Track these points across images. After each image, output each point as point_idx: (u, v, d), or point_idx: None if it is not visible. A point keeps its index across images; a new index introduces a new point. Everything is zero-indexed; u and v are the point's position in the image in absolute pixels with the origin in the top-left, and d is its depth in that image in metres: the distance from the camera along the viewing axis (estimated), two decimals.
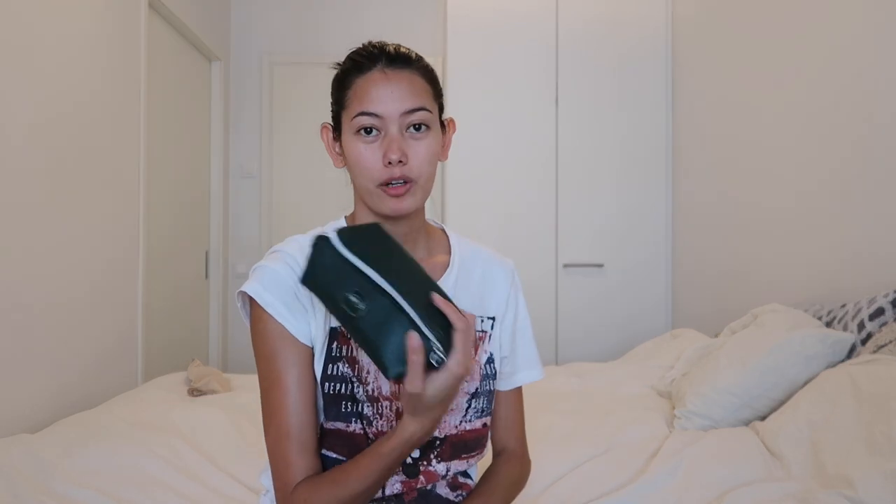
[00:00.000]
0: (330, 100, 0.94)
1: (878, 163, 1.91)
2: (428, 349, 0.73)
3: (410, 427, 0.77)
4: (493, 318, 0.99)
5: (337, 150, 0.93)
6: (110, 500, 1.37)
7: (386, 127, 0.85)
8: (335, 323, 0.88)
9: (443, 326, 0.74)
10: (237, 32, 3.93)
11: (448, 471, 0.93)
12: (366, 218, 0.93)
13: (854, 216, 2.02)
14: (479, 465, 1.02)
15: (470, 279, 0.98)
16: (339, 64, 0.93)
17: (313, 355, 0.88)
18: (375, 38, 0.94)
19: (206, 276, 3.64)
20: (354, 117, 0.86)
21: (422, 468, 0.91)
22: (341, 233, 0.78)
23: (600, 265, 3.33)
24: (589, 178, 3.34)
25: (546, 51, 3.32)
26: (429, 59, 0.94)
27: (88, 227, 2.28)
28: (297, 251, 0.89)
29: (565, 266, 3.33)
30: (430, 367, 0.73)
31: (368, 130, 0.86)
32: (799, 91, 2.30)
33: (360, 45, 0.92)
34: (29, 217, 1.95)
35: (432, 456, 0.91)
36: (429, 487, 0.93)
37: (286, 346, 0.85)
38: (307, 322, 0.87)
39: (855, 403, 1.37)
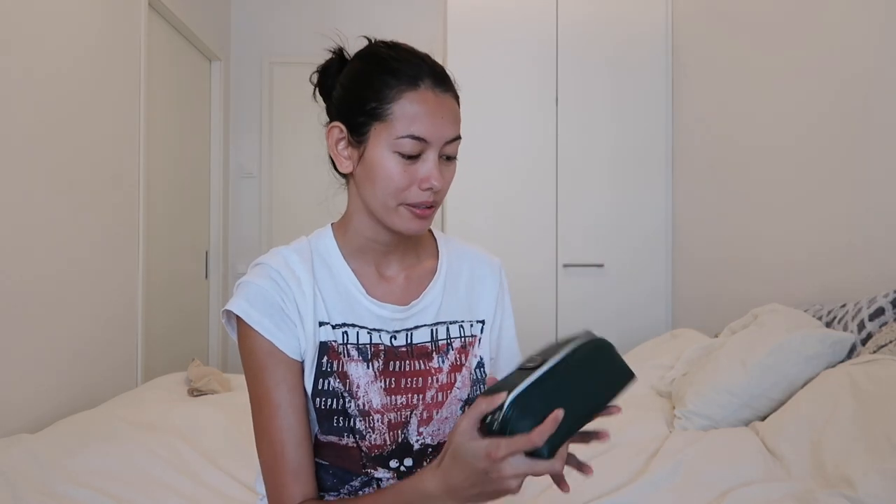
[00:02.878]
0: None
1: (878, 162, 1.91)
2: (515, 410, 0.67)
3: (431, 483, 0.72)
4: (483, 322, 0.97)
5: (345, 153, 0.87)
6: (110, 500, 1.37)
7: (426, 151, 0.82)
8: (325, 337, 0.87)
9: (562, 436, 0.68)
10: (237, 32, 3.93)
11: None
12: (365, 230, 0.89)
13: (854, 216, 2.02)
14: None
15: (458, 283, 0.97)
16: (334, 52, 0.90)
17: (302, 370, 0.87)
18: (375, 38, 0.91)
19: (206, 276, 3.65)
20: (401, 137, 0.81)
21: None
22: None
23: (600, 265, 3.33)
24: (589, 178, 3.34)
25: (546, 51, 3.32)
26: None
27: (88, 227, 2.28)
28: (282, 265, 0.87)
29: (565, 266, 3.33)
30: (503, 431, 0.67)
31: (409, 153, 0.82)
32: (799, 90, 2.30)
33: (382, 43, 0.88)
34: (28, 218, 1.95)
35: (426, 464, 0.91)
36: None
37: (275, 362, 0.84)
38: (296, 336, 0.85)
39: (855, 403, 1.37)
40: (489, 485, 0.68)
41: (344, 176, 0.93)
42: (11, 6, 1.87)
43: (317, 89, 0.93)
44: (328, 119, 0.91)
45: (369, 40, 0.90)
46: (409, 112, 0.81)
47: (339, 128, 0.86)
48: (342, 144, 0.87)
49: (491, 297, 0.99)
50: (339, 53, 0.91)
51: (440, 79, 0.84)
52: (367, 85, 0.84)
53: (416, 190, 0.83)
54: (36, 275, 1.98)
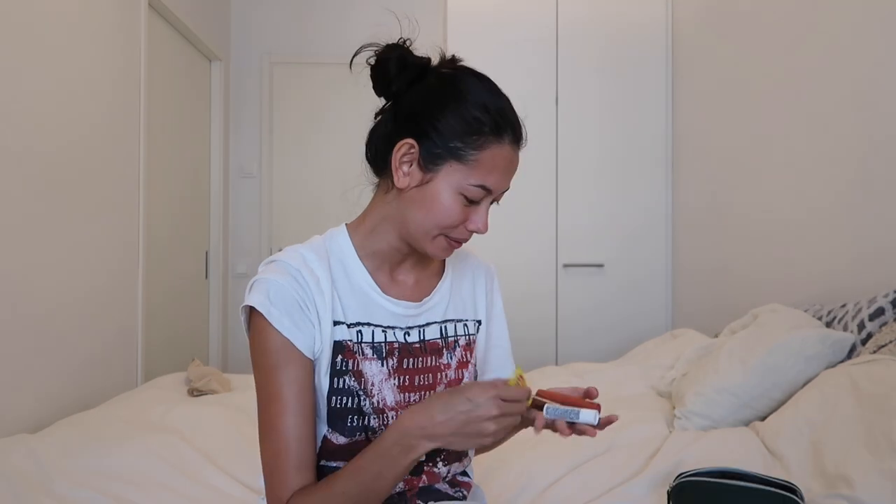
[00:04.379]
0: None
1: (878, 163, 1.91)
2: None
3: (404, 419, 0.79)
4: (480, 322, 1.02)
5: (406, 169, 0.85)
6: (110, 500, 1.37)
7: (485, 199, 0.86)
8: (339, 336, 0.87)
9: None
10: (237, 32, 3.93)
11: (449, 472, 0.95)
12: (391, 238, 0.91)
13: (854, 216, 2.02)
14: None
15: (462, 284, 1.01)
16: (425, 59, 0.88)
17: (314, 369, 0.87)
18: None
19: (206, 276, 3.65)
20: (474, 185, 0.83)
21: (426, 468, 0.92)
22: None
23: (600, 265, 3.33)
24: (589, 178, 3.34)
25: (546, 50, 3.32)
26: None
27: (88, 227, 2.28)
28: (302, 264, 0.87)
29: (565, 266, 3.33)
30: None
31: (474, 199, 0.85)
32: (799, 90, 2.30)
33: (471, 73, 0.88)
34: (29, 218, 1.95)
35: (438, 459, 0.93)
36: (429, 485, 0.94)
37: (290, 360, 0.84)
38: (312, 336, 0.86)
39: (855, 403, 1.37)
40: (467, 424, 0.75)
41: (377, 175, 0.92)
42: (11, 6, 1.87)
43: (377, 72, 0.89)
44: (388, 115, 0.89)
45: (451, 57, 0.90)
46: (488, 164, 0.84)
47: (412, 144, 0.85)
48: (406, 159, 0.85)
49: (482, 299, 1.03)
50: (426, 63, 0.89)
51: (519, 136, 0.88)
52: (455, 120, 0.83)
53: (462, 229, 0.87)
54: (35, 275, 1.98)
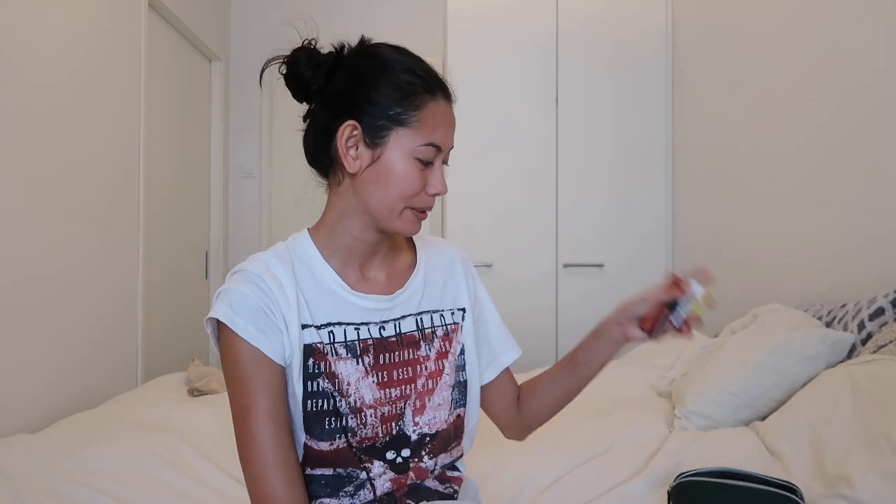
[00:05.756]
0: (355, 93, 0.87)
1: (879, 163, 1.91)
2: None
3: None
4: (464, 310, 1.00)
5: (354, 153, 0.85)
6: (110, 500, 1.37)
7: (436, 159, 0.87)
8: (309, 339, 0.86)
9: None
10: (237, 32, 3.93)
11: (436, 465, 0.94)
12: (354, 229, 0.90)
13: (854, 216, 2.02)
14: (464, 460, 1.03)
15: (436, 274, 1.00)
16: (335, 48, 0.89)
17: (286, 376, 0.86)
18: (376, 37, 0.91)
19: (206, 276, 3.65)
20: (424, 145, 0.84)
21: (412, 465, 0.91)
22: None
23: (600, 265, 3.33)
24: (589, 178, 3.34)
25: (546, 51, 3.32)
26: (428, 59, 0.93)
27: (88, 226, 2.28)
28: (264, 270, 0.86)
29: (565, 266, 3.33)
30: None
31: (426, 160, 0.85)
32: (798, 92, 2.30)
33: (388, 46, 0.88)
34: (29, 218, 1.95)
35: (424, 453, 0.91)
36: (418, 482, 0.93)
37: (261, 369, 0.82)
38: (280, 342, 0.84)
39: (855, 403, 1.37)
40: None
41: (324, 176, 0.92)
42: (11, 6, 1.87)
43: (291, 80, 0.90)
44: (323, 114, 0.89)
45: (361, 39, 0.90)
46: (430, 122, 0.84)
47: (353, 125, 0.85)
48: (352, 142, 0.86)
49: (463, 286, 1.02)
50: (339, 49, 0.90)
51: (448, 89, 0.89)
52: (389, 88, 0.84)
53: (423, 195, 0.87)
54: (36, 275, 1.98)
